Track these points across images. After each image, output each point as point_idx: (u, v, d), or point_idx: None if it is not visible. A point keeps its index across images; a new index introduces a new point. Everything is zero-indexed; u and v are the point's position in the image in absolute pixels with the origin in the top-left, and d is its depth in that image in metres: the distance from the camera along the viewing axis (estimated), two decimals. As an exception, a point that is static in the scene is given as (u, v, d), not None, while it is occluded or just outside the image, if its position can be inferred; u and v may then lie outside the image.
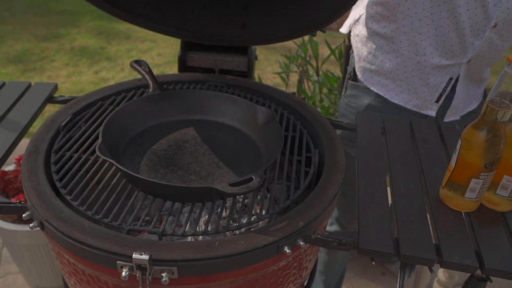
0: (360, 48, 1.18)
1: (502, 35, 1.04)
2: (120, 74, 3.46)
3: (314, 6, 0.97)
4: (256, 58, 1.28)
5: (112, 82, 3.30)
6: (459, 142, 0.74)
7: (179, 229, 0.72)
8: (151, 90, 0.97)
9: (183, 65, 1.24)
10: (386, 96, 1.16)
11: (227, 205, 0.95)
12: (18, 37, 4.03)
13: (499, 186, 0.76)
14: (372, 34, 1.14)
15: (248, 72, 1.26)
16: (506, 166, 0.74)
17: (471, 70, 1.11)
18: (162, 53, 3.88)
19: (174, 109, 0.97)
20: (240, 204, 0.98)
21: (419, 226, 0.74)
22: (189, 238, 0.86)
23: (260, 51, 4.01)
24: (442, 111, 1.17)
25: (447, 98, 1.14)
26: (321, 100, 1.74)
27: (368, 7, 1.13)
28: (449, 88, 1.12)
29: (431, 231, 0.74)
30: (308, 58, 1.81)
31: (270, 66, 3.76)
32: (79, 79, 3.36)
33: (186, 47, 1.22)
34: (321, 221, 0.77)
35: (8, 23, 4.31)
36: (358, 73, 1.19)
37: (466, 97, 1.16)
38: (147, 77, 1.00)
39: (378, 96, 1.18)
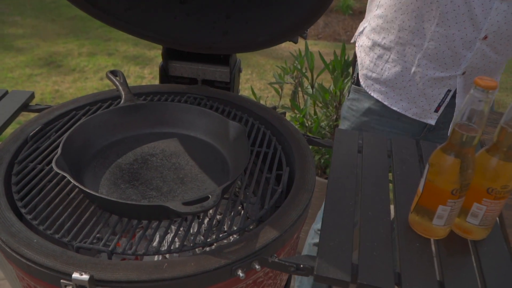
0: (363, 58, 1.24)
1: (495, 48, 1.06)
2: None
3: (293, 12, 0.97)
4: (240, 71, 1.27)
5: (116, 89, 3.32)
6: (427, 166, 0.71)
7: (153, 248, 0.70)
8: (122, 101, 0.96)
9: (165, 75, 1.24)
10: (385, 103, 1.21)
11: (199, 220, 0.94)
12: (28, 41, 4.11)
13: (469, 213, 0.73)
14: (374, 45, 1.21)
15: (230, 83, 1.25)
16: (476, 192, 0.71)
17: (468, 83, 1.13)
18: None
19: (144, 122, 0.96)
20: (214, 221, 0.96)
21: (382, 253, 0.71)
22: (157, 257, 0.84)
23: (266, 60, 4.01)
24: (443, 118, 1.20)
25: (447, 107, 1.18)
26: (315, 113, 1.71)
27: (371, 20, 1.22)
28: (447, 99, 1.16)
29: (396, 258, 0.71)
30: (304, 70, 1.79)
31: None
32: (84, 85, 3.40)
33: (168, 56, 1.21)
34: (281, 244, 0.75)
35: (19, 27, 4.40)
36: (360, 80, 1.25)
37: None
38: (120, 88, 0.99)
39: (378, 100, 1.23)
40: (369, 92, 1.23)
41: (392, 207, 0.82)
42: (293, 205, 0.79)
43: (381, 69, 1.19)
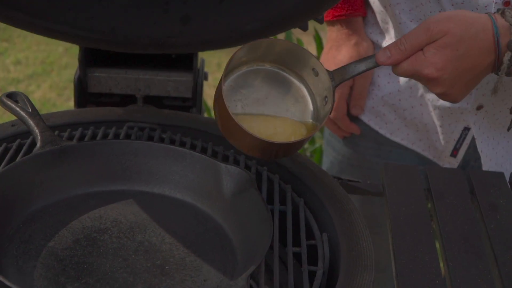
0: None
1: None
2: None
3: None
4: (205, 78, 1.33)
5: None
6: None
7: None
8: (39, 144, 0.99)
9: (82, 92, 1.28)
10: (381, 132, 1.34)
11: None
12: None
13: None
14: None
15: (193, 100, 1.31)
16: None
17: (492, 122, 1.25)
18: (22, 59, 3.86)
19: (78, 176, 1.00)
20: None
21: None
22: None
23: (213, 53, 4.08)
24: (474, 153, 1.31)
25: (470, 149, 1.30)
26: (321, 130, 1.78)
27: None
28: (467, 140, 1.28)
29: None
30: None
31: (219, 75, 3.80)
32: None
33: (88, 62, 1.26)
34: None
35: None
36: None
37: (502, 153, 1.29)
38: (30, 122, 1.01)
39: None
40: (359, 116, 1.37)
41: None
42: (352, 293, 0.86)
43: (377, 76, 1.34)
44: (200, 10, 1.14)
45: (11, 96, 1.06)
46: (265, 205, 0.92)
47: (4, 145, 1.09)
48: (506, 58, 0.94)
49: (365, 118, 1.35)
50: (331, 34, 1.38)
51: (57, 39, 1.15)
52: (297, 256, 0.95)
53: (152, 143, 1.04)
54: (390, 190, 1.06)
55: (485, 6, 1.13)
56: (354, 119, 1.36)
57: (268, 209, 0.92)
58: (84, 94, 1.27)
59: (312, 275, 0.90)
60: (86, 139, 1.14)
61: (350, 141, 1.38)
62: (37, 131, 1.01)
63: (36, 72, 3.69)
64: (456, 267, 0.91)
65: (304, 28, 1.15)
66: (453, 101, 1.00)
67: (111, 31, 1.16)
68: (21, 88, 3.51)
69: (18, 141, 1.10)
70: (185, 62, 1.26)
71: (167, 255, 0.90)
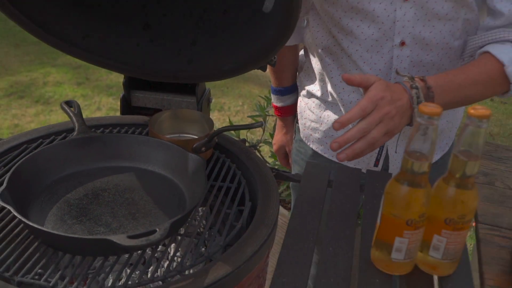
0: (303, 107, 1.43)
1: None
2: (96, 113, 3.66)
3: (257, 38, 1.11)
4: (209, 101, 1.42)
5: (85, 123, 3.49)
6: (383, 197, 0.84)
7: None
8: (75, 133, 1.10)
9: (127, 105, 1.39)
10: (325, 155, 1.36)
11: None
12: (-14, 69, 4.34)
13: (431, 246, 0.85)
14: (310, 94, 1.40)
15: (199, 115, 1.39)
16: (434, 224, 0.83)
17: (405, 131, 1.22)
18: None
19: (98, 155, 1.10)
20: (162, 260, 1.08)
21: (338, 289, 0.82)
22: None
23: (260, 90, 4.18)
24: None
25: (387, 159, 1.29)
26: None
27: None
28: (384, 152, 1.27)
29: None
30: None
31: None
32: (48, 119, 3.58)
33: (130, 86, 1.37)
34: (235, 281, 0.87)
35: (-24, 53, 4.65)
36: (300, 130, 1.43)
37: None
38: (74, 119, 1.13)
39: None
40: (308, 144, 1.39)
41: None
42: (250, 241, 0.91)
43: (320, 117, 1.34)
44: (199, 56, 1.23)
45: (68, 103, 1.19)
46: (205, 180, 0.99)
47: (64, 134, 1.22)
48: (413, 92, 0.98)
49: (313, 146, 1.38)
50: (278, 121, 1.57)
51: (106, 69, 1.27)
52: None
53: (150, 138, 1.12)
54: (305, 179, 1.10)
55: (388, 51, 1.14)
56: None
57: (205, 184, 0.99)
58: (128, 107, 1.38)
59: (233, 228, 0.97)
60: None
61: (310, 158, 1.41)
62: (76, 125, 1.12)
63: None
64: (329, 232, 0.94)
65: (263, 70, 1.20)
66: (394, 125, 0.96)
67: (143, 66, 1.25)
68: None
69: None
70: (193, 89, 1.35)
71: (141, 208, 0.99)
